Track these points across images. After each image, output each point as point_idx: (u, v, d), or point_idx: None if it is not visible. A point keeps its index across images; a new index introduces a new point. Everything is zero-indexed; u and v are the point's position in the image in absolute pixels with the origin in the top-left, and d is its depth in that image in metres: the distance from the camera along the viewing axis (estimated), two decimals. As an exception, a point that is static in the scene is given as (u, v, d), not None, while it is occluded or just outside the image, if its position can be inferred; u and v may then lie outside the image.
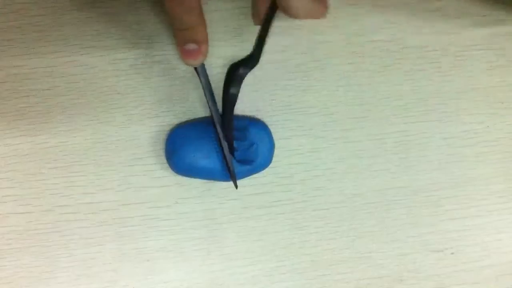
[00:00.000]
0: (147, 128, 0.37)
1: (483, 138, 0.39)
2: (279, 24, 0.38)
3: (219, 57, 0.37)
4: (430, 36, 0.39)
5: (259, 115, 0.38)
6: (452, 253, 0.39)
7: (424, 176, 0.39)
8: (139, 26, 0.37)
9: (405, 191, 0.39)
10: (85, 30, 0.37)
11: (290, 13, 0.27)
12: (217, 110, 0.35)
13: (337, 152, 0.38)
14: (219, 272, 0.37)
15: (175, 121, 0.37)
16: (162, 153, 0.37)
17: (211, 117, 0.35)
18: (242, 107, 0.38)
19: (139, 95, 0.37)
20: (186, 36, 0.30)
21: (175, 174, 0.36)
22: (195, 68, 0.34)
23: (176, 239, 0.37)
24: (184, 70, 0.37)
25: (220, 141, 0.35)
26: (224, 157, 0.35)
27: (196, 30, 0.29)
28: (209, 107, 0.35)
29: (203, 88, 0.34)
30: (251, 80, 0.37)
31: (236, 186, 0.36)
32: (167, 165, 0.36)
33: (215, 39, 0.37)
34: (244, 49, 0.37)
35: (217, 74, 0.37)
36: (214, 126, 0.35)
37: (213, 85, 0.35)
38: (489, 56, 0.40)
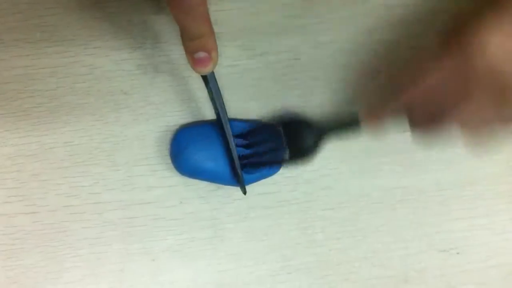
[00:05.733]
0: (153, 128, 0.37)
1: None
2: (284, 25, 0.38)
3: (226, 57, 0.37)
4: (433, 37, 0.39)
5: (265, 117, 0.38)
6: (458, 253, 0.39)
7: (430, 176, 0.39)
8: (145, 26, 0.37)
9: (411, 191, 0.38)
10: (91, 30, 0.37)
11: None
12: (225, 116, 0.34)
13: (343, 152, 0.38)
14: (225, 272, 0.37)
15: (181, 121, 0.37)
16: (168, 153, 0.37)
17: (219, 123, 0.34)
18: (247, 108, 0.38)
19: (145, 95, 0.37)
20: (195, 45, 0.29)
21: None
22: (204, 77, 0.32)
23: (182, 239, 0.37)
24: (190, 70, 0.37)
25: (230, 149, 0.34)
26: (234, 164, 0.34)
27: (205, 38, 0.29)
28: (219, 114, 0.34)
29: (212, 95, 0.33)
30: (256, 82, 0.37)
31: (245, 192, 0.36)
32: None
33: (221, 39, 0.36)
34: (251, 49, 0.37)
35: (224, 75, 0.37)
36: (223, 134, 0.34)
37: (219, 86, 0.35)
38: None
